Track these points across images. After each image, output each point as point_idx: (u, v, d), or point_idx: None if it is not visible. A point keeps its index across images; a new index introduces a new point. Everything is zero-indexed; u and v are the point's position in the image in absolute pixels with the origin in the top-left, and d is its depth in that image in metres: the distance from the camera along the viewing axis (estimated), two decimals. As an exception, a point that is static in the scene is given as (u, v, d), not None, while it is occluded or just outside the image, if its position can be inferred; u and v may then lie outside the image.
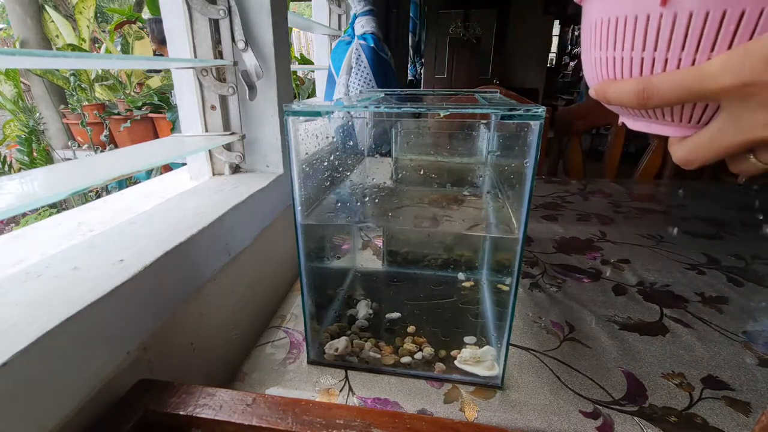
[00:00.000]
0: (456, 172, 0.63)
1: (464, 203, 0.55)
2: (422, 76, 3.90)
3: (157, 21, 2.15)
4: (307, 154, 0.47)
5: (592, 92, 0.26)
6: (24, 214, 2.13)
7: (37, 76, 2.66)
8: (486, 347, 0.49)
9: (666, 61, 0.22)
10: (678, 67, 0.22)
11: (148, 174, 2.19)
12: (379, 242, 0.78)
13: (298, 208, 0.45)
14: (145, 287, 0.38)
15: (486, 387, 0.46)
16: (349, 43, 1.10)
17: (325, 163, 0.53)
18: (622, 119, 0.28)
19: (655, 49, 0.22)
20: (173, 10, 0.61)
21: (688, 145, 0.23)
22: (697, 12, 0.21)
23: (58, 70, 2.63)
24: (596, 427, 0.41)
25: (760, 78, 0.19)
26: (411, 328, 0.53)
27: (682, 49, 0.21)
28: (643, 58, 0.23)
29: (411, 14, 2.58)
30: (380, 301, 0.59)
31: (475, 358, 0.48)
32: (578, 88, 4.89)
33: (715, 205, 1.07)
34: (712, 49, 0.21)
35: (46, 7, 2.66)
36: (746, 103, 0.20)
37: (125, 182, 2.14)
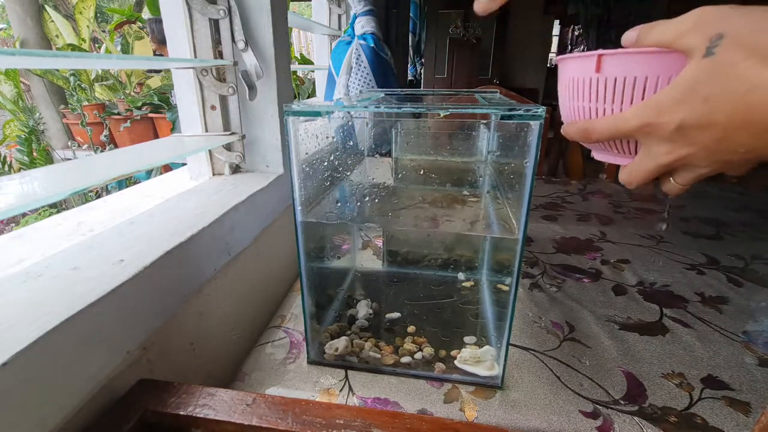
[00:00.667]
0: (456, 172, 0.63)
1: (464, 203, 0.55)
2: (422, 76, 3.90)
3: (157, 21, 2.15)
4: (307, 154, 0.47)
5: (562, 129, 0.35)
6: (24, 214, 2.13)
7: (37, 76, 2.66)
8: (486, 347, 0.49)
9: (604, 110, 0.31)
10: (612, 113, 0.30)
11: (148, 174, 2.19)
12: (379, 242, 0.78)
13: (298, 207, 0.46)
14: (145, 287, 0.38)
15: (486, 387, 0.46)
16: (349, 43, 1.10)
17: (325, 163, 0.53)
18: (592, 151, 0.36)
19: (597, 101, 0.31)
20: (173, 10, 0.61)
21: (627, 170, 0.31)
22: (618, 77, 0.29)
23: (58, 70, 2.63)
24: (596, 427, 0.41)
25: (656, 120, 0.27)
26: (411, 328, 0.53)
27: (613, 101, 0.30)
28: (590, 108, 0.32)
29: (411, 14, 2.58)
30: (380, 301, 0.59)
31: (475, 358, 0.48)
32: (578, 88, 4.89)
33: (715, 205, 1.07)
34: (631, 102, 0.29)
35: (46, 7, 2.67)
36: (650, 138, 0.28)
37: (125, 182, 2.14)
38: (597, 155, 0.36)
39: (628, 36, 0.30)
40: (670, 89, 0.26)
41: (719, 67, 0.24)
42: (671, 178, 0.29)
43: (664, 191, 0.32)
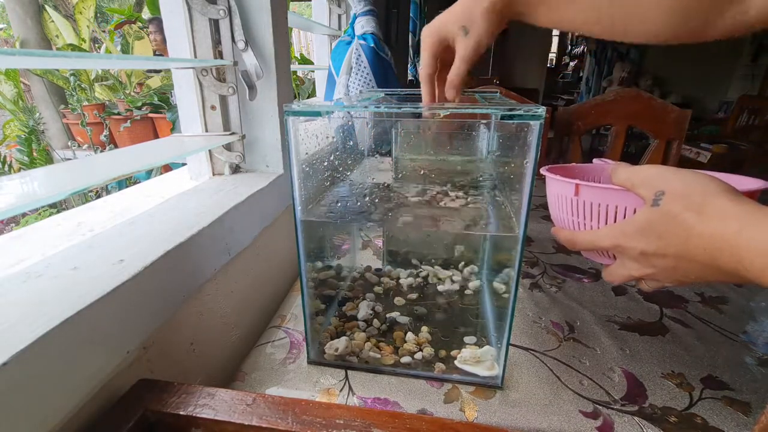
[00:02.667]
0: (456, 172, 0.63)
1: (464, 203, 0.55)
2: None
3: (158, 21, 2.15)
4: (307, 154, 0.47)
5: (552, 230, 0.42)
6: (24, 214, 2.13)
7: (37, 76, 2.66)
8: (486, 347, 0.49)
9: (584, 224, 0.38)
10: (591, 228, 0.38)
11: (148, 174, 2.19)
12: (379, 242, 0.78)
13: (298, 207, 0.46)
14: (145, 287, 0.38)
15: (486, 387, 0.46)
16: (349, 43, 1.10)
17: (325, 163, 0.53)
18: (581, 252, 0.42)
19: (577, 217, 0.39)
20: (173, 10, 0.61)
21: (608, 272, 0.37)
22: (594, 202, 0.37)
23: (58, 70, 2.63)
24: (596, 427, 0.41)
25: (624, 243, 0.33)
26: (410, 335, 0.53)
27: (591, 218, 0.38)
28: (573, 220, 0.39)
29: (411, 14, 2.57)
30: (380, 301, 0.59)
31: (475, 358, 0.48)
32: (578, 88, 4.89)
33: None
34: (606, 221, 0.36)
35: (46, 7, 2.67)
36: (622, 255, 0.35)
37: (125, 182, 2.14)
38: (585, 255, 0.42)
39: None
40: (634, 220, 0.33)
41: (664, 216, 0.30)
42: (643, 282, 0.36)
43: (642, 289, 0.42)
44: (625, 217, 0.35)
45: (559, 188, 0.40)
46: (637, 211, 0.33)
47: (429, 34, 0.45)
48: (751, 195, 0.35)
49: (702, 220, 0.28)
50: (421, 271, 0.67)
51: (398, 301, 0.59)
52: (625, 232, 0.33)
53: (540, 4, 0.42)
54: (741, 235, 0.26)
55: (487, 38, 0.43)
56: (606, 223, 0.36)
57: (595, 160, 0.48)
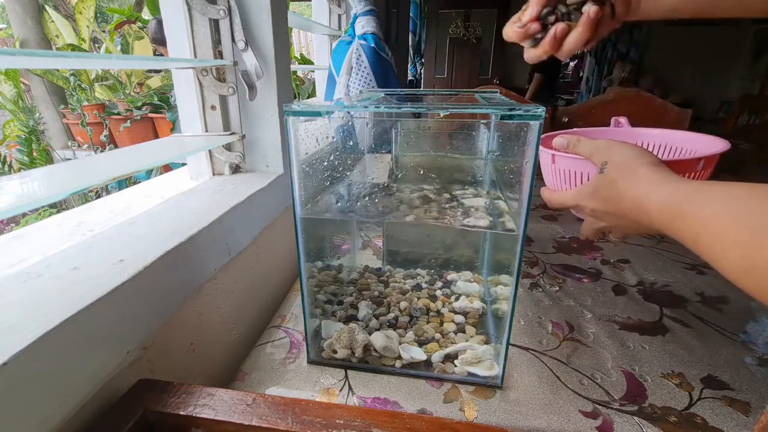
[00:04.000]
0: (456, 172, 0.63)
1: (464, 203, 0.55)
2: (422, 76, 3.90)
3: (158, 21, 2.15)
4: (307, 154, 0.47)
5: (541, 189, 0.48)
6: (24, 214, 2.13)
7: (37, 76, 2.66)
8: (486, 347, 0.49)
9: (560, 186, 0.48)
10: (564, 190, 0.45)
11: (148, 174, 2.19)
12: (379, 242, 0.78)
13: (298, 207, 0.46)
14: (145, 287, 0.38)
15: (486, 387, 0.46)
16: (350, 43, 1.10)
17: (325, 163, 0.53)
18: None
19: (557, 182, 0.48)
20: (173, 10, 0.61)
21: (582, 225, 0.45)
22: (565, 169, 0.46)
23: (58, 70, 2.63)
24: (596, 427, 0.41)
25: (581, 203, 0.41)
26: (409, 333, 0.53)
27: (564, 182, 0.47)
28: (552, 183, 0.49)
29: (411, 14, 2.58)
30: (380, 301, 0.59)
31: (476, 358, 0.48)
32: (578, 88, 4.89)
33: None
34: (575, 185, 0.45)
35: (46, 7, 2.67)
36: (582, 212, 0.43)
37: (125, 182, 2.14)
38: (574, 212, 0.50)
39: (559, 141, 0.45)
40: (588, 185, 0.40)
41: (607, 181, 0.38)
42: (609, 235, 0.44)
43: (611, 241, 0.51)
44: (588, 180, 0.43)
45: (544, 157, 0.49)
46: (591, 177, 0.41)
47: None
48: (711, 159, 0.45)
49: (629, 185, 0.35)
50: (419, 274, 0.67)
51: (398, 300, 0.59)
52: (582, 194, 0.41)
53: None
54: (648, 197, 0.33)
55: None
56: (575, 186, 0.45)
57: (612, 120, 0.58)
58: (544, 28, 0.40)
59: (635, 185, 0.34)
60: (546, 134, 0.49)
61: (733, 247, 0.26)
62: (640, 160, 0.36)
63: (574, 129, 0.50)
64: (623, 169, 0.36)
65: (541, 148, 0.45)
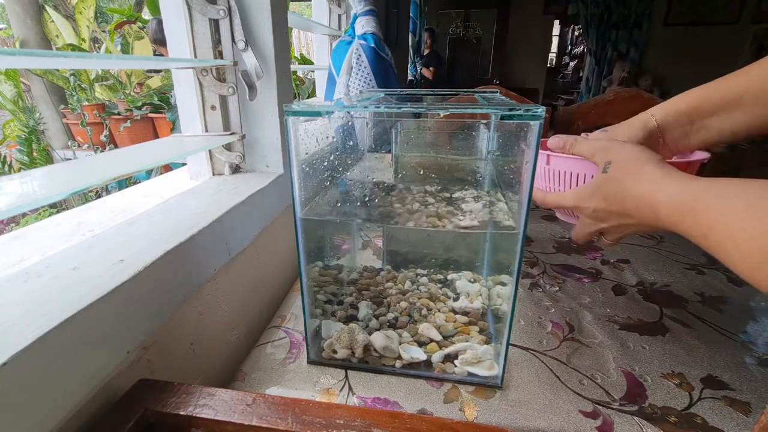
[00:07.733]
0: (456, 172, 0.63)
1: (464, 202, 0.55)
2: (422, 76, 3.90)
3: (158, 21, 2.15)
4: (307, 154, 0.47)
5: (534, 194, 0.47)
6: (24, 214, 2.13)
7: (37, 76, 2.66)
8: (486, 347, 0.49)
9: (553, 188, 0.48)
10: (558, 191, 0.46)
11: (148, 174, 2.19)
12: (379, 242, 0.78)
13: (298, 207, 0.45)
14: (145, 287, 0.38)
15: (486, 387, 0.46)
16: (350, 43, 1.10)
17: (325, 163, 0.53)
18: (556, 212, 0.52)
19: (549, 182, 0.48)
20: (173, 10, 0.61)
21: (574, 232, 0.46)
22: (560, 170, 0.46)
23: (58, 70, 2.63)
24: (596, 427, 0.41)
25: (580, 204, 0.41)
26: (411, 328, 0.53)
27: (558, 184, 0.47)
28: (546, 186, 0.49)
29: (411, 14, 2.58)
30: (380, 301, 0.59)
31: (476, 358, 0.48)
32: (578, 88, 4.89)
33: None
34: (569, 186, 0.45)
35: (46, 7, 2.66)
36: (581, 214, 0.42)
37: (125, 182, 2.14)
38: (559, 215, 0.53)
39: (555, 141, 0.44)
40: (589, 185, 0.40)
41: (611, 180, 0.37)
42: (603, 238, 0.44)
43: (602, 246, 0.51)
44: (584, 181, 0.43)
45: (540, 163, 0.49)
46: (592, 177, 0.41)
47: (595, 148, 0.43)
48: (692, 164, 0.46)
49: (634, 183, 0.35)
50: (419, 274, 0.67)
51: (398, 300, 0.59)
52: (582, 194, 0.41)
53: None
54: (656, 195, 0.33)
55: None
56: (570, 187, 0.45)
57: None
58: None
59: (642, 183, 0.34)
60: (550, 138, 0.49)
61: (746, 242, 0.26)
62: (645, 158, 0.36)
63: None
64: (628, 167, 0.36)
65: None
